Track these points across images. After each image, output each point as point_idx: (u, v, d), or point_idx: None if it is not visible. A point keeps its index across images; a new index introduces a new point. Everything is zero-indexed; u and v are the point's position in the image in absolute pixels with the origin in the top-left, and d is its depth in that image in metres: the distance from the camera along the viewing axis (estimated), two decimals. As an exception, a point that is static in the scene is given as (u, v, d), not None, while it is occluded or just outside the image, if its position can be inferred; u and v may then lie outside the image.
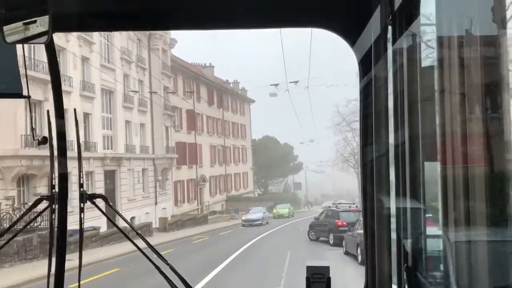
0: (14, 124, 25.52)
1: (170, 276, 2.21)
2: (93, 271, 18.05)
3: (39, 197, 2.28)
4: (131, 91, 37.52)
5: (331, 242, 26.04)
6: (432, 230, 1.96)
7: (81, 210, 2.24)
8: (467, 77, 1.61)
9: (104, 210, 2.40)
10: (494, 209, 1.49)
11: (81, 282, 2.44)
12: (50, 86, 2.43)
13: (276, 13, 2.39)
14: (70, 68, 31.28)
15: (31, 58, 26.05)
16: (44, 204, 2.30)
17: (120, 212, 2.46)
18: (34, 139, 2.48)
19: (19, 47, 2.14)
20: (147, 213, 40.02)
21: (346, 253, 22.36)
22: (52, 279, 2.27)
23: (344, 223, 25.28)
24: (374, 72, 2.21)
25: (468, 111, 1.59)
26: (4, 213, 24.77)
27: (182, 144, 49.77)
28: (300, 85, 50.54)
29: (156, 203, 42.81)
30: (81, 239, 2.49)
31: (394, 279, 2.13)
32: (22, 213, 2.62)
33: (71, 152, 2.32)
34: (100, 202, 2.30)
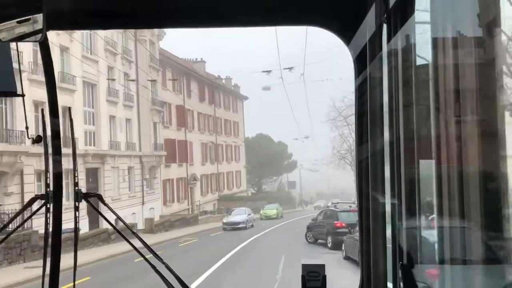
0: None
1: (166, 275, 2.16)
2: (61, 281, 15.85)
3: (33, 196, 2.31)
4: (108, 79, 35.01)
5: (329, 245, 24.01)
6: (428, 227, 1.99)
7: (76, 208, 2.29)
8: (461, 75, 1.63)
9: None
10: (489, 207, 1.49)
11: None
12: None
13: (271, 11, 2.40)
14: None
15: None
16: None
17: (116, 212, 2.44)
18: (28, 138, 2.54)
19: (13, 45, 2.25)
20: (133, 213, 37.93)
21: (347, 258, 20.29)
22: (47, 279, 2.28)
23: (343, 224, 23.24)
24: (369, 70, 2.22)
25: (463, 110, 1.60)
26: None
27: (172, 141, 47.73)
28: (295, 72, 48.01)
29: (143, 203, 40.76)
30: (76, 238, 2.53)
31: (390, 276, 2.12)
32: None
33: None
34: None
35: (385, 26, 2.00)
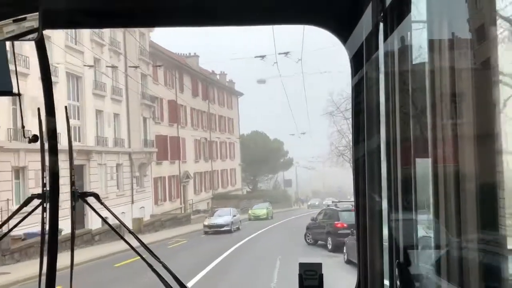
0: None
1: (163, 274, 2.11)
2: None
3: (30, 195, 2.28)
4: (85, 65, 32.75)
5: (329, 247, 22.24)
6: (424, 225, 1.99)
7: (73, 208, 2.28)
8: (457, 74, 1.64)
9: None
10: (485, 205, 1.50)
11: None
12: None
13: (268, 10, 2.39)
14: (25, 47, 27.16)
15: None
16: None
17: (112, 211, 2.43)
18: (24, 137, 2.47)
19: (9, 44, 2.20)
20: (122, 212, 35.98)
21: (349, 262, 18.50)
22: (43, 278, 2.28)
23: (345, 225, 21.35)
24: (365, 69, 2.23)
25: (459, 108, 1.61)
26: None
27: (163, 137, 45.88)
28: (292, 57, 45.61)
29: (132, 202, 38.90)
30: (73, 237, 2.50)
31: (386, 274, 2.12)
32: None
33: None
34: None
35: (381, 25, 2.02)
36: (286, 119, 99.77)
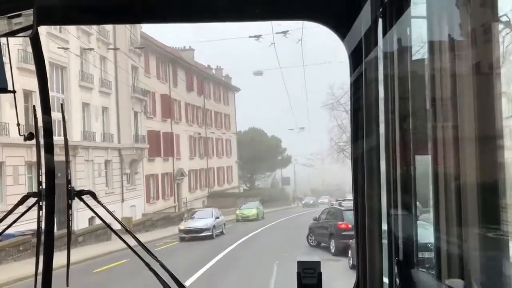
0: None
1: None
2: None
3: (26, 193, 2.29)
4: (61, 47, 30.35)
5: (332, 250, 20.28)
6: (423, 223, 1.99)
7: (69, 206, 2.28)
8: (457, 71, 1.62)
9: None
10: (485, 203, 1.48)
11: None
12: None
13: (266, 6, 2.39)
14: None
15: None
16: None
17: (108, 209, 2.42)
18: (20, 135, 2.48)
19: (3, 40, 2.20)
20: (112, 211, 34.11)
21: (353, 267, 16.47)
22: (39, 278, 2.26)
23: (350, 226, 19.33)
24: (364, 65, 2.22)
25: (459, 105, 1.59)
26: None
27: (156, 133, 43.89)
28: (291, 38, 42.80)
29: (122, 200, 36.98)
30: (69, 236, 2.54)
31: (386, 272, 2.11)
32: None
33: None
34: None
35: (380, 21, 2.01)
36: (284, 116, 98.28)
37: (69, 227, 2.45)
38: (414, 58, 1.95)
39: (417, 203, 1.95)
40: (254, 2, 2.35)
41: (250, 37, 35.47)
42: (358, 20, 2.20)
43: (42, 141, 2.39)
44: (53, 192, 2.30)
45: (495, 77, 1.45)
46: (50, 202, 2.27)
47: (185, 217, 32.19)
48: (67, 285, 2.37)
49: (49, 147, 2.34)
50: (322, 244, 22.08)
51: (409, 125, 1.93)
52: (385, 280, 2.11)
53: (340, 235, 19.55)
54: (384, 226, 2.14)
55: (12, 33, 1.92)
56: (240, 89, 69.51)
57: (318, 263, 2.29)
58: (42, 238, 2.28)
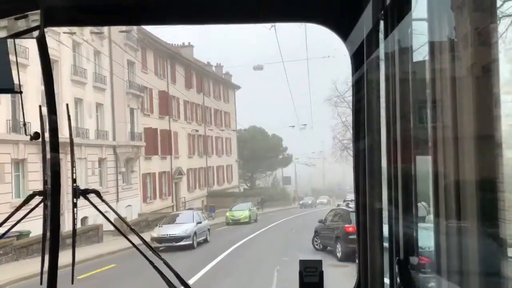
0: None
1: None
2: None
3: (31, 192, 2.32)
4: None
5: (338, 255, 18.84)
6: (424, 223, 1.99)
7: (74, 205, 2.31)
8: (458, 72, 1.64)
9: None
10: (486, 203, 1.50)
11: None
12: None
13: (269, 8, 2.39)
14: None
15: None
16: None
17: (114, 208, 2.46)
18: (26, 135, 2.59)
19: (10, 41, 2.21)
20: (106, 211, 32.64)
21: (363, 274, 15.11)
22: (45, 276, 2.27)
23: (357, 229, 17.96)
24: (366, 66, 2.24)
25: (460, 106, 1.60)
26: None
27: (153, 130, 42.45)
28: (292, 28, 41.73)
29: (117, 200, 35.57)
30: (74, 234, 2.59)
31: (387, 272, 2.12)
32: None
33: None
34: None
35: (382, 22, 2.03)
36: (285, 114, 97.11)
37: (74, 225, 2.48)
38: (415, 59, 1.97)
39: (418, 203, 1.96)
40: (256, 4, 2.36)
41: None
42: (360, 22, 2.21)
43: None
44: (59, 190, 2.30)
45: (496, 78, 1.45)
46: (56, 201, 2.28)
47: (161, 222, 27.31)
48: (72, 283, 2.43)
49: (55, 146, 2.36)
50: (329, 248, 20.60)
51: (410, 126, 1.94)
52: (386, 280, 2.12)
53: (347, 239, 18.05)
54: (385, 226, 2.12)
55: (19, 34, 1.96)
56: (240, 87, 68.25)
57: (319, 262, 2.34)
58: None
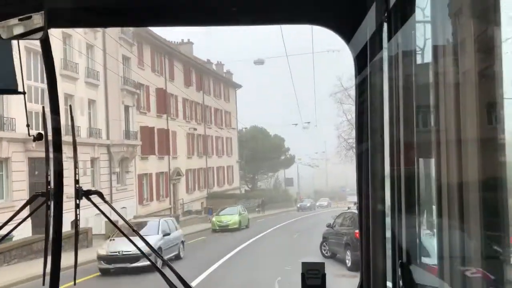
0: None
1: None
2: None
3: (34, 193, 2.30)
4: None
5: (348, 263, 17.02)
6: (427, 226, 2.02)
7: (77, 206, 2.31)
8: (461, 74, 1.64)
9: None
10: (489, 206, 1.49)
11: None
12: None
13: (272, 10, 2.42)
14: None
15: None
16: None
17: (116, 209, 2.42)
18: (29, 136, 2.56)
19: (14, 43, 2.24)
20: (97, 214, 30.98)
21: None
22: (47, 277, 2.27)
23: (369, 235, 16.15)
24: (369, 68, 2.26)
25: (463, 108, 1.60)
26: None
27: (149, 129, 40.75)
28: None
29: (111, 201, 33.76)
30: (77, 236, 2.53)
31: (389, 275, 2.10)
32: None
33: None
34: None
35: (385, 25, 2.03)
36: (287, 112, 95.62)
37: (76, 227, 2.39)
38: (418, 62, 1.99)
39: (421, 206, 1.95)
40: (260, 6, 2.37)
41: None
42: (363, 24, 2.23)
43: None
44: (62, 191, 2.34)
45: (499, 81, 1.46)
46: (59, 202, 2.30)
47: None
48: (74, 284, 2.44)
49: (58, 146, 2.34)
50: (338, 255, 18.73)
51: (414, 128, 1.95)
52: (389, 283, 2.09)
53: (357, 246, 16.22)
54: (388, 229, 2.14)
55: (23, 36, 1.96)
56: (241, 86, 66.52)
57: (322, 264, 2.34)
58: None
